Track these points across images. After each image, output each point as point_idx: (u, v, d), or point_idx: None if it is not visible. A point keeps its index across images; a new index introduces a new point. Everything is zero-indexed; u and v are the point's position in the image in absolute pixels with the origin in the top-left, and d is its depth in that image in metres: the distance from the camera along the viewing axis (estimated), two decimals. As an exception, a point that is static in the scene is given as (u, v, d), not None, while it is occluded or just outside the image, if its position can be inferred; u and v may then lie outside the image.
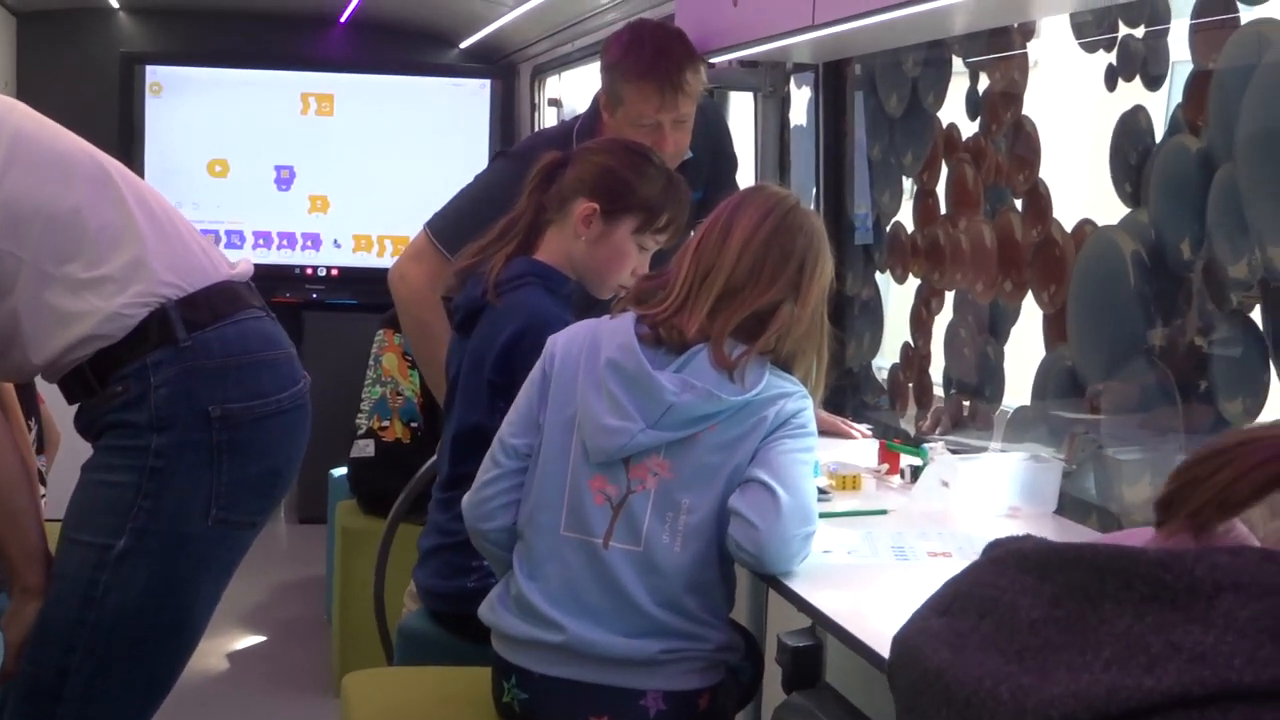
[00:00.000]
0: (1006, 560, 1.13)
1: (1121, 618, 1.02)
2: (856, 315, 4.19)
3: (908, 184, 3.93)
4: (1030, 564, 1.10)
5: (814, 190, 4.26)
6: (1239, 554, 1.02)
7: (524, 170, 3.09)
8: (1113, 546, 1.08)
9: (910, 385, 3.90)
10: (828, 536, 2.61)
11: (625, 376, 2.43)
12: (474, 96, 7.43)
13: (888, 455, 3.28)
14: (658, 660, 2.42)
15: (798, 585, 2.38)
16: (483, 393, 2.90)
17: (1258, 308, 2.58)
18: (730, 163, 3.96)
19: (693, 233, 2.70)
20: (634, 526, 2.42)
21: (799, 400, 2.46)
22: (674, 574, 2.42)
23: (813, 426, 2.49)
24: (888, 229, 4.02)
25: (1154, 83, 2.92)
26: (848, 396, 4.17)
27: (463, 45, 7.84)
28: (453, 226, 3.47)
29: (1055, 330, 3.18)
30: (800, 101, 4.43)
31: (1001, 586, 1.11)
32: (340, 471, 5.28)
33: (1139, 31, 2.95)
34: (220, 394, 2.52)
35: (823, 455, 3.18)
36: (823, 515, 2.62)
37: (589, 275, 3.01)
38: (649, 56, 3.39)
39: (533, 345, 2.67)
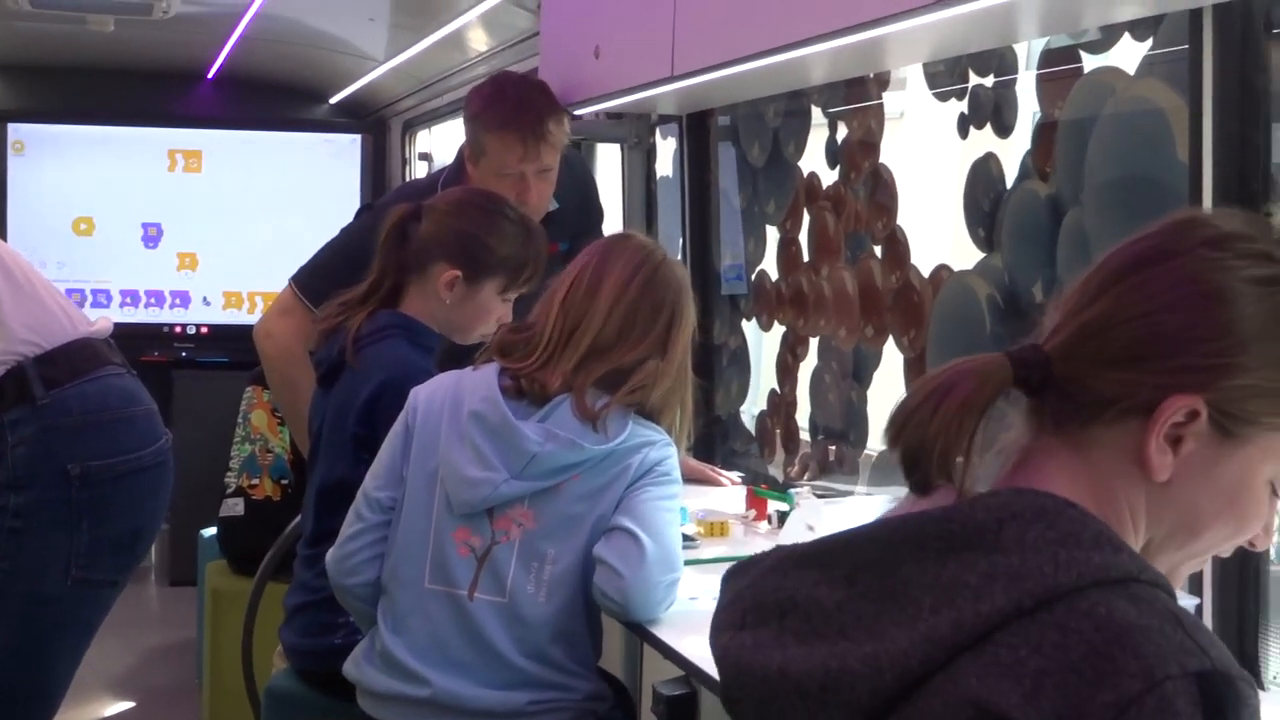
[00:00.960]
0: (782, 565, 1.21)
1: (925, 574, 1.13)
2: (725, 364, 4.22)
3: (772, 232, 3.98)
4: (808, 560, 1.20)
5: (680, 241, 4.30)
6: (996, 494, 1.17)
7: (378, 225, 3.07)
8: (883, 522, 1.19)
9: (777, 431, 3.94)
10: (695, 583, 2.62)
11: (488, 427, 2.42)
12: (345, 151, 7.41)
13: (755, 501, 3.30)
14: (525, 712, 2.41)
15: (665, 633, 2.38)
16: (346, 447, 2.88)
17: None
18: (597, 214, 3.98)
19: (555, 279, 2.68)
20: (499, 577, 2.41)
21: (663, 449, 2.47)
22: (540, 624, 2.41)
23: (677, 474, 2.50)
24: (753, 277, 4.06)
25: (1004, 130, 2.99)
26: (717, 444, 4.19)
27: (333, 100, 7.82)
28: (318, 280, 3.44)
29: (916, 374, 3.23)
30: (666, 153, 4.47)
31: (788, 587, 1.18)
32: (210, 532, 5.20)
33: (989, 81, 3.02)
34: (80, 451, 2.48)
35: (691, 502, 3.20)
36: (690, 562, 2.63)
37: (453, 330, 3.01)
38: (511, 107, 3.41)
39: (396, 398, 2.65)
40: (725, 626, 1.22)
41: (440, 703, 2.40)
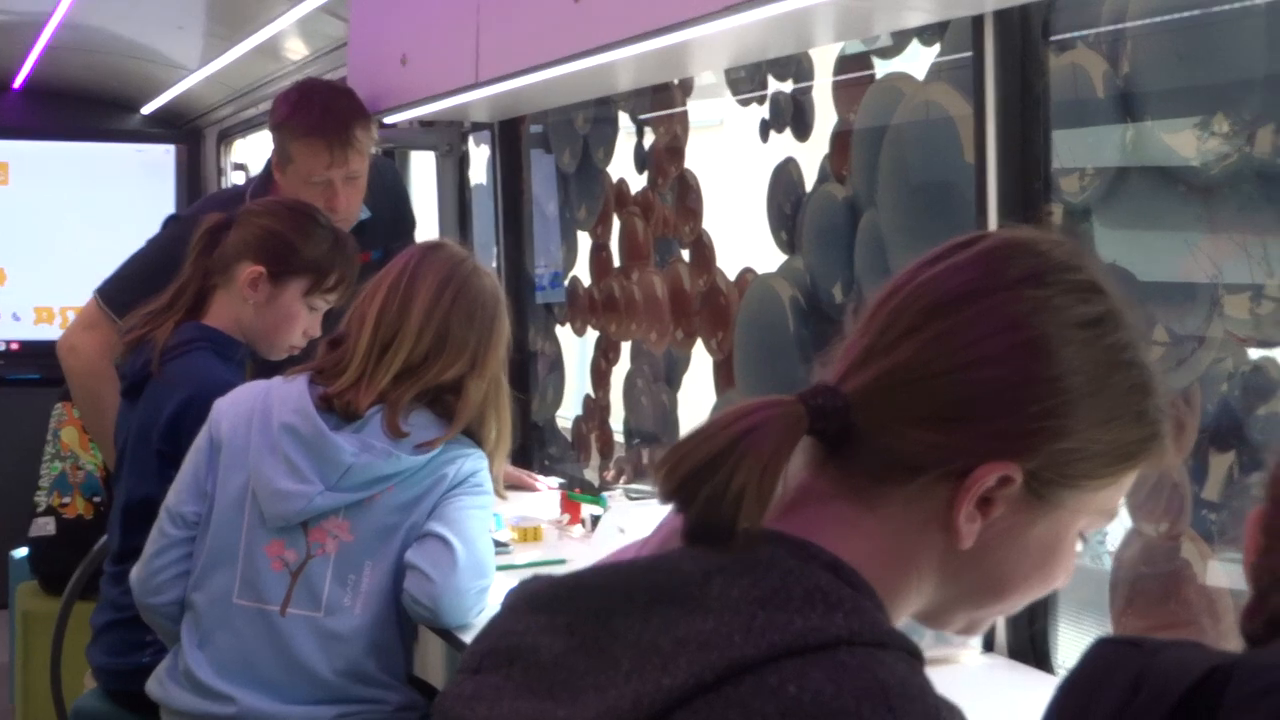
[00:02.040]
0: (519, 605, 1.12)
1: (632, 628, 1.03)
2: (540, 370, 4.24)
3: (583, 238, 4.01)
4: (541, 603, 1.10)
5: (495, 248, 4.31)
6: (745, 544, 1.05)
7: (185, 236, 3.04)
8: (609, 565, 1.10)
9: (593, 436, 3.96)
10: (506, 589, 2.62)
11: (301, 440, 2.40)
12: (158, 162, 7.28)
13: (569, 505, 3.32)
14: (333, 726, 2.39)
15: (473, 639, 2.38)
16: (151, 463, 2.83)
17: (903, 346, 2.70)
18: (409, 223, 3.97)
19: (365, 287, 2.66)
20: (314, 591, 2.39)
21: (477, 460, 2.47)
22: (354, 637, 2.40)
23: (489, 486, 2.50)
24: (566, 283, 4.09)
25: (803, 134, 3.05)
26: (534, 450, 4.21)
27: (145, 110, 7.67)
28: (124, 293, 3.38)
29: (724, 376, 3.28)
30: (480, 160, 4.47)
31: (519, 631, 1.09)
32: (21, 552, 5.08)
33: (787, 86, 3.08)
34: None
35: (506, 509, 3.21)
36: (502, 568, 2.64)
37: (259, 339, 2.97)
38: (317, 114, 3.39)
39: (201, 413, 2.61)
40: (461, 668, 1.13)
41: (246, 720, 2.38)
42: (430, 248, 2.60)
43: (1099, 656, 0.90)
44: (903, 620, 1.12)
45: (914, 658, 1.02)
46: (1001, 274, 1.08)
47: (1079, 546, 1.14)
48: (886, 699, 0.94)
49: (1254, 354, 2.06)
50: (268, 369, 2.85)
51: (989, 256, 1.10)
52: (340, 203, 3.38)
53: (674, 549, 1.07)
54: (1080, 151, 2.35)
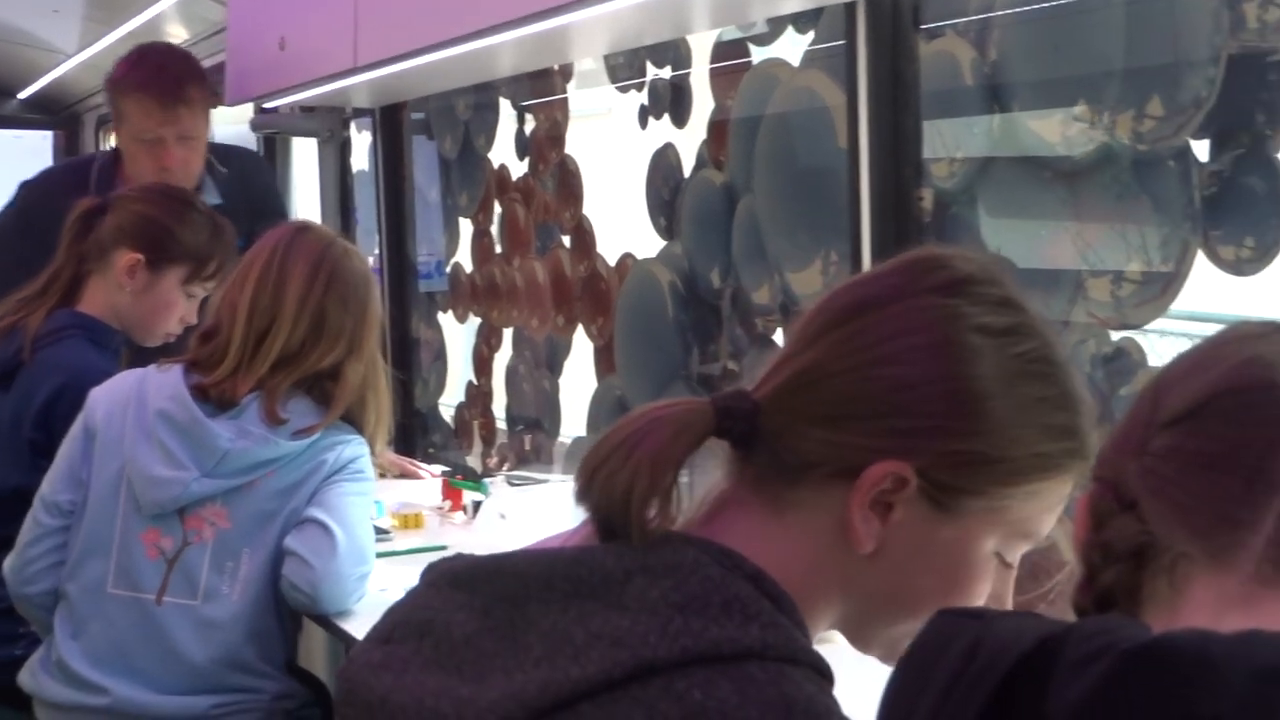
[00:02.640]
0: (439, 581, 1.11)
1: (548, 616, 1.02)
2: (423, 358, 4.23)
3: (465, 225, 4.01)
4: (460, 581, 1.09)
5: (377, 235, 4.29)
6: (643, 538, 1.05)
7: (36, 201, 3.02)
8: (533, 552, 1.09)
9: (475, 423, 3.96)
10: (386, 575, 2.62)
11: (177, 426, 2.37)
12: (36, 148, 7.16)
13: (451, 492, 3.31)
14: (209, 716, 2.37)
15: (354, 626, 2.37)
16: (23, 453, 2.78)
17: (779, 330, 2.74)
18: (277, 213, 3.92)
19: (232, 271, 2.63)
20: (191, 579, 2.37)
21: (357, 447, 2.46)
22: (232, 624, 2.38)
23: (370, 473, 2.49)
24: (448, 270, 4.09)
25: (681, 121, 3.07)
26: (417, 438, 4.20)
27: (22, 95, 7.53)
28: None
29: (605, 361, 3.30)
30: (362, 146, 4.45)
31: (436, 607, 1.09)
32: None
33: (666, 72, 3.09)
34: None
35: (387, 496, 3.20)
36: (383, 554, 2.63)
37: (135, 326, 2.93)
38: (149, 70, 3.37)
39: (74, 401, 2.57)
40: (371, 637, 1.13)
41: (120, 711, 2.35)
42: (297, 230, 2.56)
43: (938, 627, 0.91)
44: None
45: (823, 677, 1.02)
46: (916, 282, 1.09)
47: (1003, 568, 1.12)
48: (789, 714, 0.94)
49: (1115, 336, 2.11)
50: (143, 357, 2.82)
51: (907, 266, 1.11)
52: (173, 160, 3.34)
53: (599, 545, 1.07)
54: (950, 138, 2.39)
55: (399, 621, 1.11)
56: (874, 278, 1.12)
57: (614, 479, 1.04)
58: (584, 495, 1.07)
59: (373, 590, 2.48)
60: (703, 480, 1.14)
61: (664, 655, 0.96)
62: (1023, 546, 1.12)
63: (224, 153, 3.55)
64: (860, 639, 1.15)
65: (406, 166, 4.21)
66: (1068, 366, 1.10)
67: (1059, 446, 1.07)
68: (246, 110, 4.29)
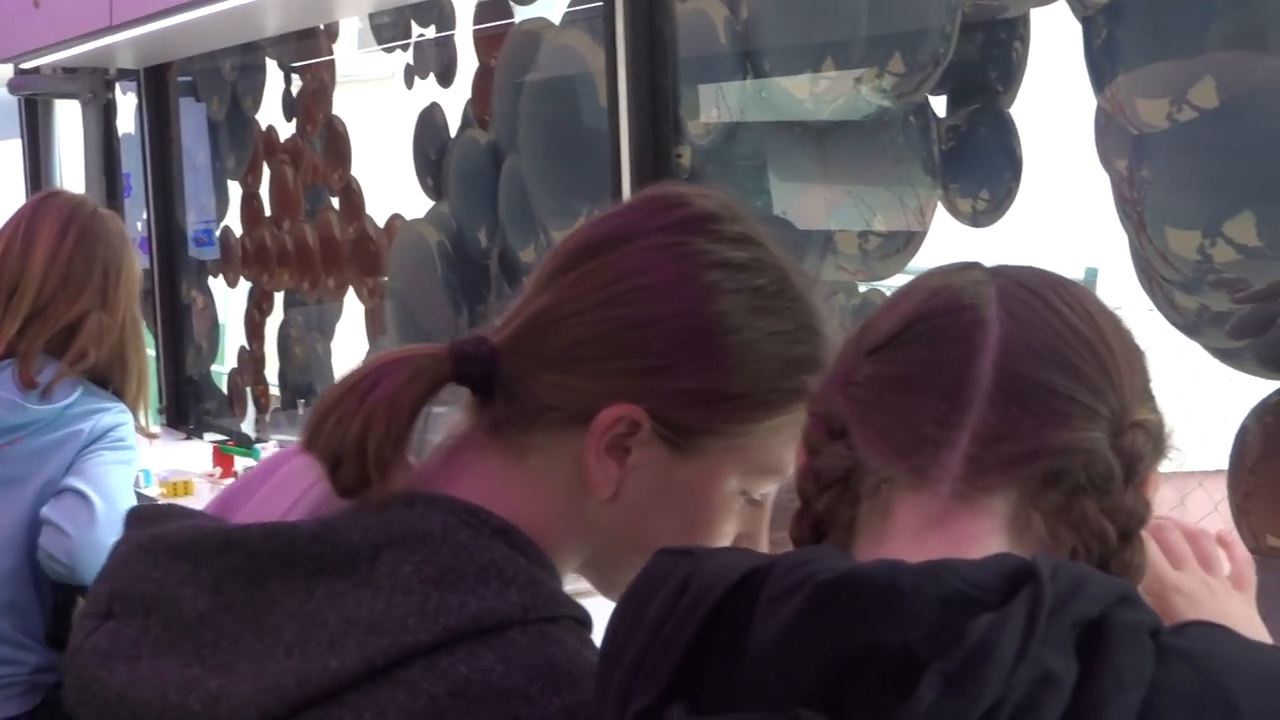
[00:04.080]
0: (156, 549, 1.03)
1: (293, 595, 0.98)
2: (194, 324, 4.15)
3: (234, 188, 3.95)
4: (181, 552, 1.02)
5: (145, 199, 4.20)
6: (387, 508, 1.00)
7: None
8: (266, 526, 1.03)
9: (248, 389, 3.91)
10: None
11: (-78, 392, 2.31)
12: None
13: (221, 459, 3.28)
14: (-38, 690, 2.32)
15: (115, 595, 2.33)
16: None
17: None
18: None
19: None
20: (-51, 552, 2.31)
21: (117, 415, 2.41)
22: (-17, 597, 2.33)
23: (132, 441, 2.44)
24: (218, 234, 4.02)
25: (446, 80, 3.06)
26: (190, 406, 4.12)
27: None
28: None
29: (376, 323, 3.28)
30: (128, 109, 4.34)
31: (157, 579, 1.01)
32: None
33: (430, 32, 3.08)
34: None
35: (156, 463, 3.16)
36: (145, 523, 2.58)
37: None
38: None
39: None
40: (89, 611, 1.04)
41: None
42: (45, 196, 2.53)
43: (654, 566, 0.91)
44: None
45: (584, 626, 1.00)
46: (647, 221, 1.06)
47: (752, 505, 1.09)
48: (555, 678, 0.93)
49: (863, 288, 2.17)
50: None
51: (639, 206, 1.09)
52: None
53: (338, 514, 1.01)
54: (706, 96, 2.43)
55: (115, 593, 1.03)
56: (609, 217, 1.09)
57: (346, 424, 0.99)
58: (313, 441, 1.01)
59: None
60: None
61: (425, 639, 0.94)
62: (769, 483, 1.10)
63: None
64: (606, 584, 1.13)
65: (174, 129, 4.12)
66: (808, 300, 1.08)
67: (798, 380, 1.04)
68: (6, 71, 4.15)
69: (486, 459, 1.05)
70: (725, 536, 1.09)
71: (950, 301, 0.93)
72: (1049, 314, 0.91)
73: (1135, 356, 0.93)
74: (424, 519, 0.99)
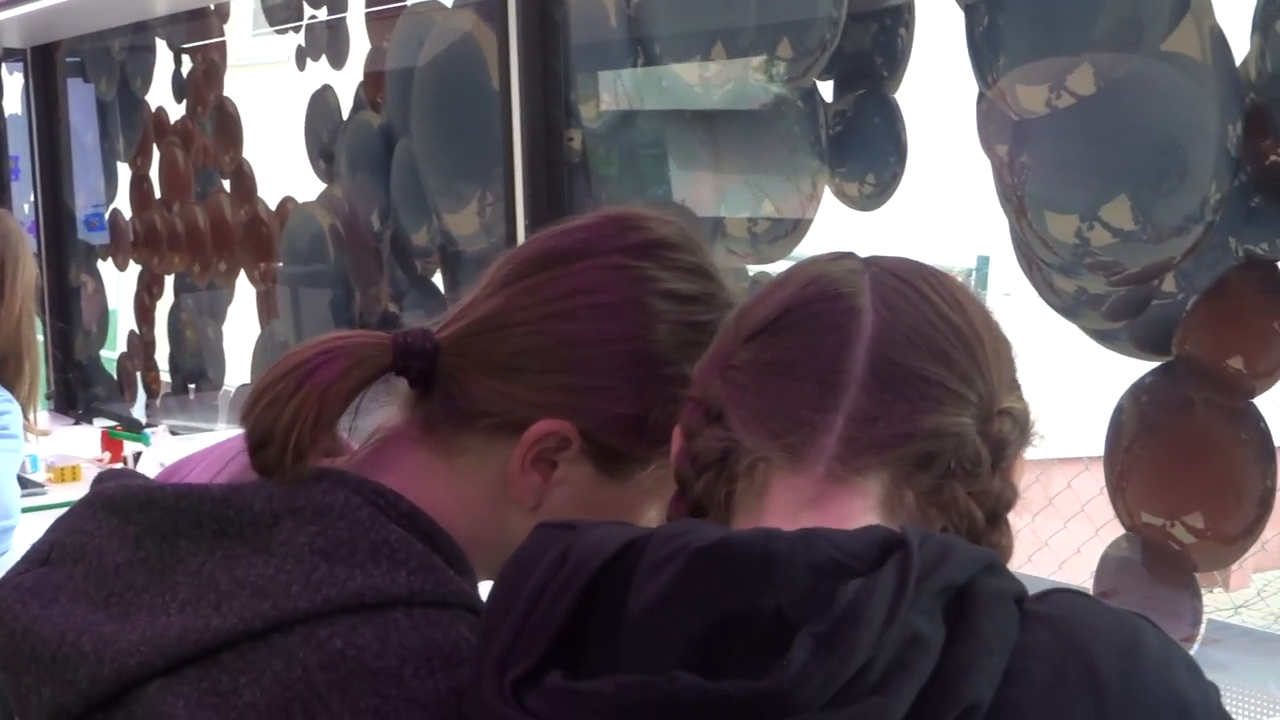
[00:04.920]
0: (95, 502, 1.06)
1: (197, 555, 0.99)
2: (83, 308, 4.10)
3: (124, 170, 3.90)
4: (115, 506, 1.04)
5: (33, 181, 4.14)
6: (295, 473, 1.00)
7: None
8: (183, 486, 1.03)
9: (138, 373, 3.87)
10: (38, 529, 2.55)
11: None
12: None
13: (110, 443, 3.24)
14: None
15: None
16: None
17: (439, 272, 2.75)
18: None
19: None
20: None
21: (3, 404, 2.40)
22: None
23: (17, 428, 2.42)
24: (107, 217, 3.97)
25: (338, 62, 3.04)
26: (79, 390, 4.07)
27: None
28: None
29: (268, 307, 3.26)
30: (14, 89, 4.28)
31: (90, 531, 1.03)
32: None
33: (323, 14, 3.06)
34: None
35: (43, 449, 3.13)
36: (34, 509, 2.57)
37: None
38: None
39: None
40: (30, 556, 1.07)
41: None
42: None
43: (534, 539, 0.92)
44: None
45: (477, 615, 1.00)
46: (605, 240, 1.06)
47: None
48: (431, 662, 0.93)
49: (753, 271, 2.19)
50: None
51: (600, 224, 1.08)
52: None
53: (251, 482, 1.01)
54: (605, 82, 2.43)
55: (57, 542, 1.05)
56: (568, 230, 1.08)
57: (279, 407, 0.99)
58: (246, 416, 1.01)
59: (20, 546, 2.42)
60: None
61: (305, 606, 0.94)
62: None
63: None
64: None
65: (62, 110, 4.06)
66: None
67: None
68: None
69: (415, 454, 1.06)
70: None
71: (826, 289, 0.95)
72: (921, 303, 0.94)
73: (1003, 346, 0.95)
74: (327, 493, 0.99)
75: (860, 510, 0.90)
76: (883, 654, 0.75)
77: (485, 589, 1.06)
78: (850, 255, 0.99)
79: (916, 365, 0.91)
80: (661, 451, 1.02)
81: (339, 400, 1.01)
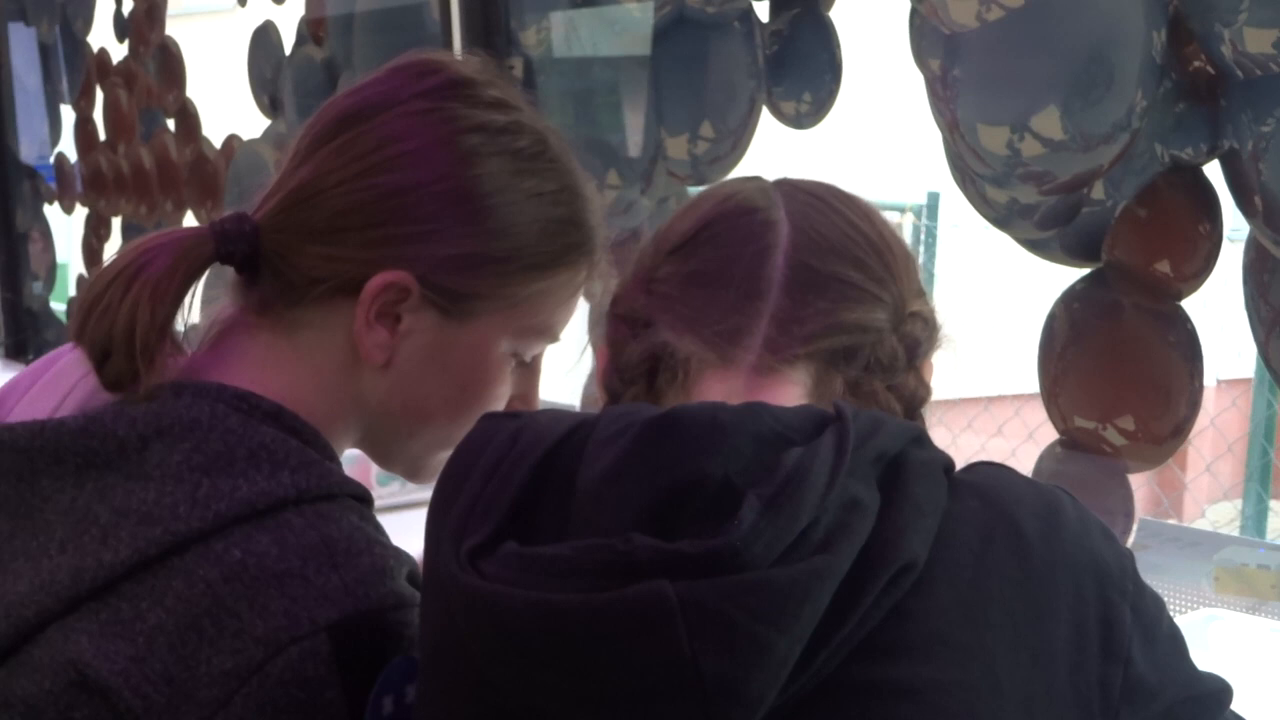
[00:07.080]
0: None
1: (64, 492, 0.97)
2: (31, 253, 4.08)
3: (67, 112, 3.88)
4: None
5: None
6: (153, 397, 0.99)
7: None
8: (31, 425, 1.00)
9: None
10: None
11: None
12: None
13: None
14: None
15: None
16: None
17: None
18: None
19: None
20: None
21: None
22: None
23: None
24: (52, 160, 3.95)
25: (280, -3, 3.03)
26: (30, 336, 4.05)
27: None
28: None
29: (216, 245, 3.25)
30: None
31: None
32: None
33: (262, -52, 3.05)
34: None
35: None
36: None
37: None
38: None
39: None
40: None
41: None
42: None
43: (483, 425, 0.93)
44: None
45: (363, 502, 1.02)
46: (403, 89, 1.06)
47: (524, 368, 1.11)
48: (331, 556, 0.95)
49: (693, 191, 2.20)
50: None
51: (394, 74, 1.08)
52: None
53: (105, 408, 1.00)
54: (539, 4, 2.44)
55: None
56: (364, 86, 1.08)
57: (113, 314, 0.98)
58: (80, 333, 1.00)
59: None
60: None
61: (197, 525, 0.94)
62: (540, 344, 1.13)
63: None
64: (382, 456, 1.15)
65: (3, 53, 4.03)
66: (567, 161, 1.10)
67: (562, 241, 1.09)
68: None
69: (255, 340, 1.05)
70: (499, 400, 1.11)
71: (741, 205, 1.00)
72: (833, 214, 0.99)
73: (909, 257, 1.02)
74: (191, 408, 0.99)
75: (790, 399, 0.95)
76: (825, 516, 0.80)
77: (349, 457, 1.10)
78: (759, 177, 1.04)
79: (834, 269, 0.96)
80: (501, 286, 1.06)
81: (170, 297, 1.00)
